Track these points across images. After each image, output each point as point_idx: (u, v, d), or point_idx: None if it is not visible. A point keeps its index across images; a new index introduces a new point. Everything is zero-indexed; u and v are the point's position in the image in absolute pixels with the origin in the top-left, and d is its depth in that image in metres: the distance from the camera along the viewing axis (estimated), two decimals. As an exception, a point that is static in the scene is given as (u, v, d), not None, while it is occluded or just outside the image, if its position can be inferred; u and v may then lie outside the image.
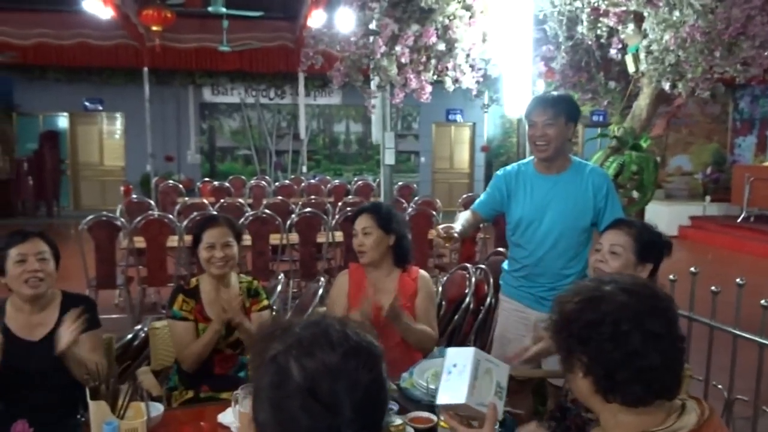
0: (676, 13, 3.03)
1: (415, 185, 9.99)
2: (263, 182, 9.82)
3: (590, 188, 2.60)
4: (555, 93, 2.74)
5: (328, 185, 9.94)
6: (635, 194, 3.49)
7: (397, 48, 3.47)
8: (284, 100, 13.19)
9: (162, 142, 12.57)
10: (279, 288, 3.28)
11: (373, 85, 3.81)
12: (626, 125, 3.61)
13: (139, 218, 5.49)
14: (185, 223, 5.62)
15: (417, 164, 13.88)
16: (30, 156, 12.39)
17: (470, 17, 3.47)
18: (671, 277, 3.09)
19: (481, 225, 3.06)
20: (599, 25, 3.42)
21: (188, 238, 5.50)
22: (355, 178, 11.48)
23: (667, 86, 3.30)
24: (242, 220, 5.66)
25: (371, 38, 3.46)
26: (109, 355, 2.45)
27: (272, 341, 0.98)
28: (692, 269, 3.01)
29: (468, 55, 3.54)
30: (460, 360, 1.49)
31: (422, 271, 2.67)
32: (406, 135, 13.71)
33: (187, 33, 11.00)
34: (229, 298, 2.38)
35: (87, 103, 12.71)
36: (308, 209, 6.19)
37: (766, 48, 3.06)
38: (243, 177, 10.82)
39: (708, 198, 11.38)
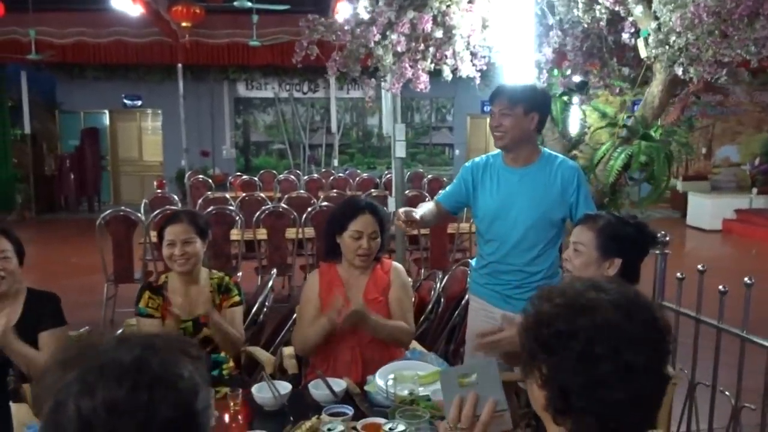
0: (683, -10, 2.82)
1: (445, 178, 9.81)
2: (292, 176, 9.83)
3: (559, 181, 2.48)
4: (520, 84, 2.61)
5: (357, 179, 9.87)
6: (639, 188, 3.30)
7: (393, 36, 3.35)
8: (317, 94, 13.17)
9: (198, 138, 12.74)
10: (270, 284, 3.21)
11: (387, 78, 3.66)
12: (637, 114, 3.40)
13: (155, 212, 5.54)
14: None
15: (451, 157, 13.68)
16: (72, 152, 12.74)
17: (468, 2, 3.32)
18: (679, 275, 2.90)
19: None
20: (598, 7, 3.22)
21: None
22: (386, 172, 11.38)
23: (680, 71, 3.08)
24: (258, 214, 5.66)
25: (367, 27, 3.34)
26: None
27: (66, 368, 0.82)
28: (699, 267, 2.80)
29: (468, 43, 3.38)
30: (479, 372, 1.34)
31: (395, 263, 2.59)
32: (440, 127, 13.54)
33: (219, 29, 11.08)
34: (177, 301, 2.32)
35: (126, 100, 12.98)
36: (325, 203, 6.14)
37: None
38: (274, 171, 10.86)
39: (755, 190, 10.83)
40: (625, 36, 3.39)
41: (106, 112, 13.15)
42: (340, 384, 2.07)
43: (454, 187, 2.69)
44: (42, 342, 2.20)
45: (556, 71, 3.78)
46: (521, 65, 3.44)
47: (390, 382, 1.98)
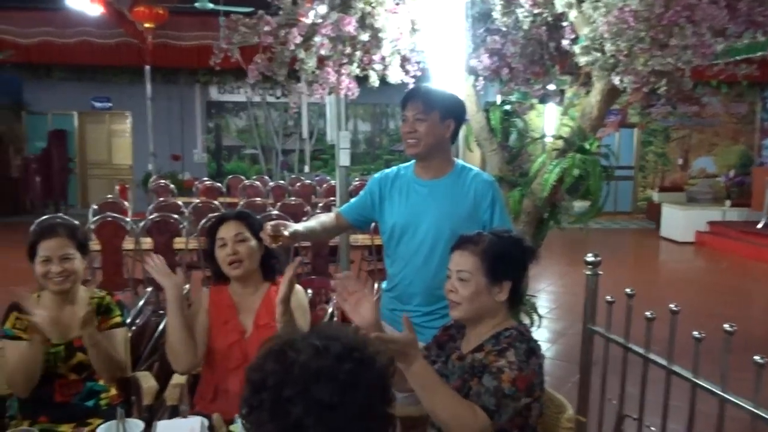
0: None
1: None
2: (258, 182, 9.60)
3: (472, 195, 2.27)
4: (434, 88, 2.39)
5: (324, 185, 9.66)
6: (574, 205, 3.11)
7: (316, 39, 3.15)
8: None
9: (168, 141, 12.50)
10: (142, 301, 3.02)
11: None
12: (574, 125, 3.22)
13: (94, 219, 5.31)
14: (142, 223, 5.42)
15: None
16: (38, 154, 12.45)
17: (396, 3, 3.13)
18: (609, 298, 2.70)
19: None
20: (537, 11, 3.04)
21: (146, 240, 5.33)
22: (356, 179, 11.18)
23: (617, 80, 2.90)
24: (204, 221, 5.42)
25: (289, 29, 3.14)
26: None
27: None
28: (627, 290, 2.61)
29: (395, 47, 3.19)
30: None
31: (297, 286, 2.36)
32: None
33: (187, 31, 10.86)
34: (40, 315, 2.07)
35: (94, 102, 12.71)
36: (276, 212, 5.91)
37: (721, 34, 2.64)
38: (242, 177, 10.63)
39: (728, 202, 10.72)
40: (565, 42, 3.21)
41: (75, 113, 12.86)
42: (195, 423, 1.83)
43: (360, 199, 2.48)
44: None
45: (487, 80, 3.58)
46: (453, 71, 3.24)
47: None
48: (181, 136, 12.79)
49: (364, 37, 3.16)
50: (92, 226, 5.22)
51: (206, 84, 12.72)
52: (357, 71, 3.23)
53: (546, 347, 5.14)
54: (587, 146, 3.06)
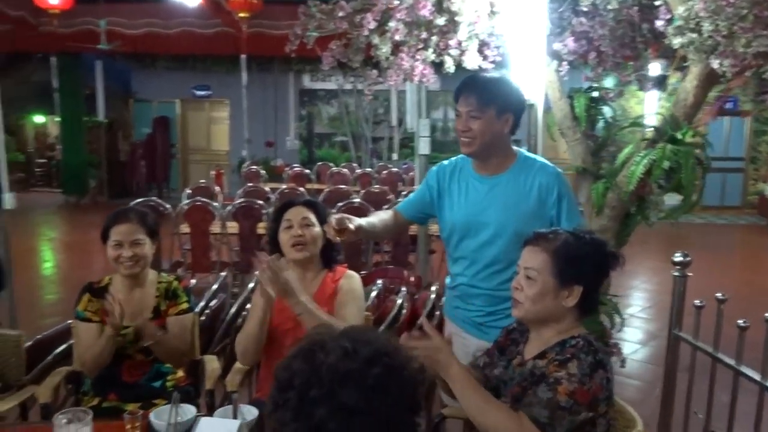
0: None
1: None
2: (345, 170, 9.69)
3: (536, 191, 2.11)
4: (489, 75, 2.23)
5: (411, 173, 9.59)
6: (664, 199, 2.86)
7: (391, 24, 3.07)
8: (382, 87, 12.92)
9: (263, 128, 12.84)
10: (216, 285, 3.05)
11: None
12: (667, 113, 2.97)
13: (183, 203, 5.52)
14: (228, 208, 5.58)
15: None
16: (144, 140, 13.18)
17: (474, -15, 2.99)
18: (697, 302, 2.48)
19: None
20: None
21: (231, 224, 5.49)
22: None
23: (716, 64, 2.64)
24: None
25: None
26: (17, 353, 2.33)
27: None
28: (718, 295, 2.38)
29: (473, 31, 3.05)
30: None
31: (350, 272, 2.33)
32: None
33: (282, 19, 11.05)
34: (111, 307, 2.14)
35: (195, 90, 13.26)
36: (357, 200, 5.91)
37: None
38: (331, 164, 10.76)
39: None
40: (659, 23, 2.96)
41: (177, 101, 13.49)
42: (252, 412, 1.84)
43: (418, 194, 2.37)
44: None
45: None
46: (534, 56, 3.07)
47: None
48: (275, 123, 13.11)
49: (440, 21, 3.04)
50: (183, 209, 5.42)
51: (299, 72, 12.96)
52: (432, 57, 3.12)
53: (636, 349, 4.86)
54: (679, 136, 2.81)
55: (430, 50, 3.12)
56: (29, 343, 2.43)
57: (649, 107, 9.58)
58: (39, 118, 14.80)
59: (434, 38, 3.12)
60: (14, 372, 2.32)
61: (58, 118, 12.60)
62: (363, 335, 1.00)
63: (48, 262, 8.15)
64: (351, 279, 2.29)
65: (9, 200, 3.38)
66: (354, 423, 0.90)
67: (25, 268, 6.77)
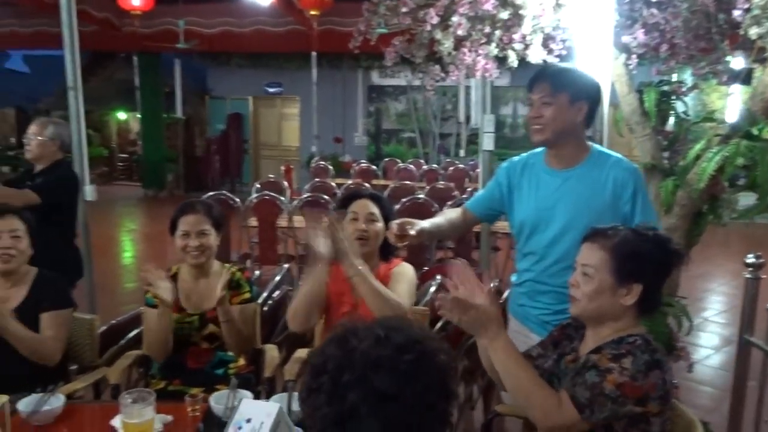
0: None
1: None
2: (411, 166, 9.71)
3: (611, 186, 2.05)
4: (560, 64, 2.19)
5: (477, 170, 9.50)
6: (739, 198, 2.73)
7: (454, 18, 3.05)
8: (450, 83, 12.86)
9: (331, 124, 13.02)
10: (278, 277, 3.12)
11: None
12: (743, 107, 2.83)
13: (252, 197, 5.68)
14: (295, 203, 5.70)
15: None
16: (218, 136, 13.64)
17: (538, -21, 2.94)
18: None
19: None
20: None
21: (297, 218, 5.60)
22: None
23: (798, 55, 2.50)
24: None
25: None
26: (91, 336, 2.47)
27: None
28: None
29: (537, 25, 2.99)
30: (257, 415, 1.27)
31: (404, 263, 2.36)
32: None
33: (351, 17, 11.17)
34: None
35: (267, 87, 13.60)
36: (421, 196, 5.92)
37: None
38: (398, 160, 10.81)
39: None
40: (736, 13, 2.82)
41: (250, 98, 13.87)
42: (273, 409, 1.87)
43: (488, 191, 2.36)
44: (42, 323, 2.25)
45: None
46: (601, 49, 2.99)
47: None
48: (344, 120, 13.27)
49: (504, 15, 3.00)
50: (252, 203, 5.58)
51: (368, 69, 13.06)
52: (495, 51, 3.08)
53: (708, 354, 4.67)
54: (755, 131, 2.67)
55: (493, 44, 3.08)
56: (104, 328, 2.57)
57: (733, 102, 9.11)
58: (122, 115, 15.57)
59: (497, 32, 3.08)
60: (88, 354, 2.46)
61: (139, 115, 13.19)
62: (395, 323, 1.02)
63: (127, 252, 8.57)
64: (403, 266, 2.33)
65: (91, 192, 3.57)
66: (386, 408, 0.92)
67: (106, 258, 7.15)
